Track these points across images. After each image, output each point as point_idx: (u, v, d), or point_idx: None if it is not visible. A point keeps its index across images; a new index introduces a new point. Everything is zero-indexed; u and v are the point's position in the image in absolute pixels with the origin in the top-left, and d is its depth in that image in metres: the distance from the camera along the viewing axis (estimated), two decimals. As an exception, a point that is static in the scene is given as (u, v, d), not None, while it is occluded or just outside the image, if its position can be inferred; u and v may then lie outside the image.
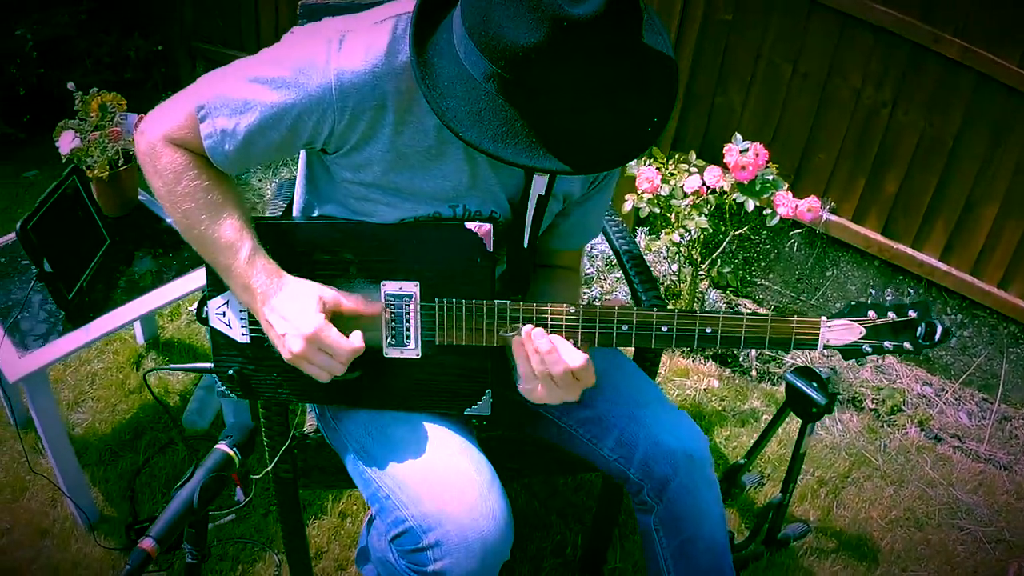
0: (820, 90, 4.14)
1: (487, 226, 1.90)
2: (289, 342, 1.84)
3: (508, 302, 1.91)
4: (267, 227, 1.97)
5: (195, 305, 2.16)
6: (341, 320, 1.88)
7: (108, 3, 5.69)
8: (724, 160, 3.61)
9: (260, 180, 5.07)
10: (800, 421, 2.87)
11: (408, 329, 2.00)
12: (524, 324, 1.89)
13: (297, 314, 1.83)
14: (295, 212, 2.23)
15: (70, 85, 3.27)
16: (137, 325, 3.84)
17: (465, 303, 1.93)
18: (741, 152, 3.59)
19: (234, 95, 1.80)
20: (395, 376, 2.04)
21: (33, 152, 5.29)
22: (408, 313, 1.97)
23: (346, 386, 2.03)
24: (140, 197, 3.34)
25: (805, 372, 2.84)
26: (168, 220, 3.23)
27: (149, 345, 3.91)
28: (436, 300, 1.95)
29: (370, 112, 1.79)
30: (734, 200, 3.65)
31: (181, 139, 1.85)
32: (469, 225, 1.90)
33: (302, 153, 2.09)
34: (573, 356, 1.85)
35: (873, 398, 3.91)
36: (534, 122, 1.60)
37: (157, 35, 5.81)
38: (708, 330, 1.85)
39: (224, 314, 2.11)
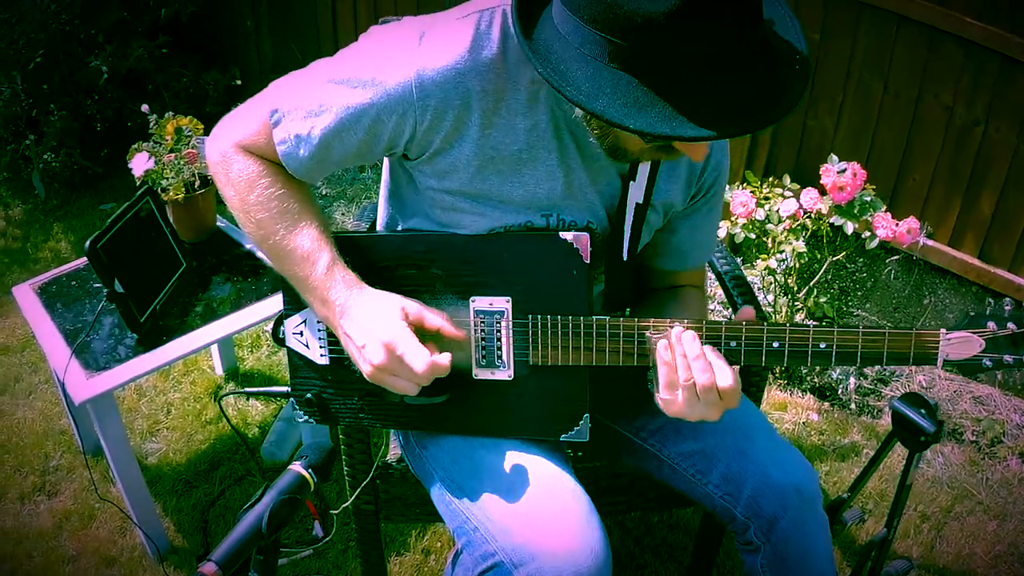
0: (912, 109, 3.97)
1: (584, 235, 1.72)
2: (369, 353, 1.65)
3: (607, 318, 1.74)
4: (347, 240, 1.81)
5: (271, 325, 1.98)
6: (427, 339, 1.70)
7: (186, 37, 5.63)
8: (821, 182, 3.42)
9: (343, 214, 4.91)
10: (905, 452, 2.61)
11: (499, 348, 1.82)
12: (672, 328, 1.68)
13: (377, 323, 1.66)
14: (379, 228, 2.07)
15: (144, 107, 3.16)
16: (216, 355, 3.73)
17: (561, 319, 1.76)
18: (838, 173, 3.38)
19: (308, 97, 1.68)
20: (485, 399, 1.86)
21: (111, 185, 5.25)
22: (499, 331, 1.80)
23: (432, 410, 1.87)
24: (219, 223, 3.30)
25: (912, 399, 2.58)
26: (247, 245, 3.13)
27: (228, 376, 3.79)
28: (530, 317, 1.77)
29: (454, 111, 1.64)
30: (832, 224, 3.46)
31: (254, 146, 1.74)
32: (564, 235, 1.73)
33: (385, 165, 1.95)
34: (723, 373, 1.63)
35: (973, 430, 3.64)
36: (666, 92, 1.40)
37: (235, 68, 5.71)
38: (822, 345, 1.66)
39: (302, 334, 1.94)
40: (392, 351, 1.64)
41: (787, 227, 3.54)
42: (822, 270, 3.65)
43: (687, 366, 1.63)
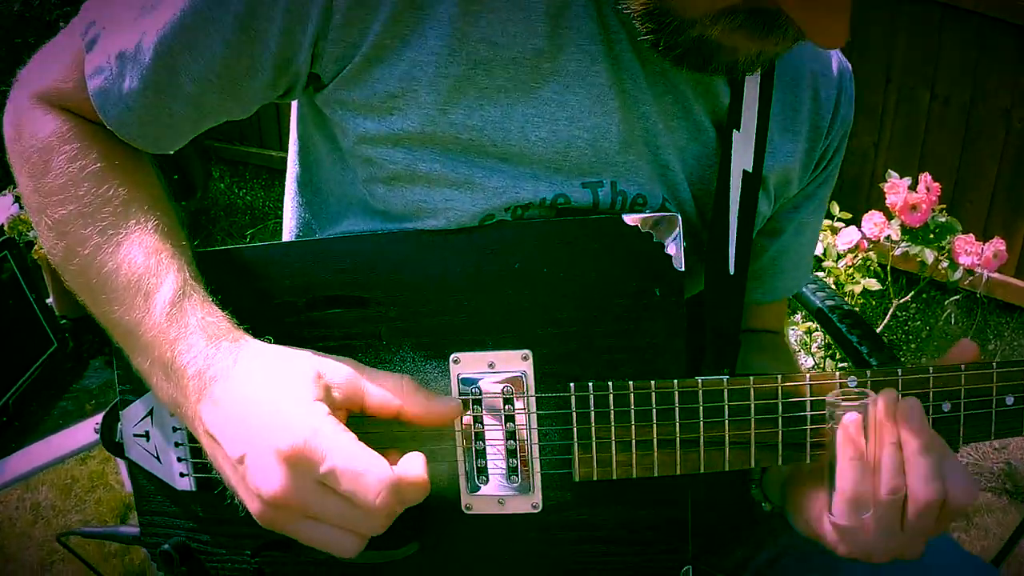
0: (964, 116, 3.30)
1: (673, 217, 0.90)
2: (258, 474, 0.79)
3: (724, 377, 0.90)
4: (217, 259, 0.98)
5: (97, 421, 1.09)
6: (369, 439, 0.83)
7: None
8: (886, 202, 2.65)
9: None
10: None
11: (513, 454, 0.93)
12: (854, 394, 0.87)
13: (272, 412, 0.82)
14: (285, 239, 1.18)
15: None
16: (123, 465, 2.69)
17: (636, 387, 0.89)
18: (908, 188, 2.62)
19: None
20: (485, 552, 0.97)
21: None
22: (512, 420, 0.92)
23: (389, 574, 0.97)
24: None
25: None
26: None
27: None
28: (572, 386, 0.91)
29: None
30: (907, 252, 2.67)
31: (61, 93, 0.96)
32: (632, 218, 0.90)
33: (292, 130, 1.11)
34: (957, 478, 0.86)
35: None
36: None
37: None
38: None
39: (147, 436, 1.03)
40: (306, 469, 0.79)
41: (849, 263, 2.68)
42: (888, 315, 2.77)
43: (896, 465, 0.86)
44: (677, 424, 0.89)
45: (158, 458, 1.02)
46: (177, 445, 1.00)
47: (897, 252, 2.66)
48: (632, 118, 0.97)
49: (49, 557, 2.67)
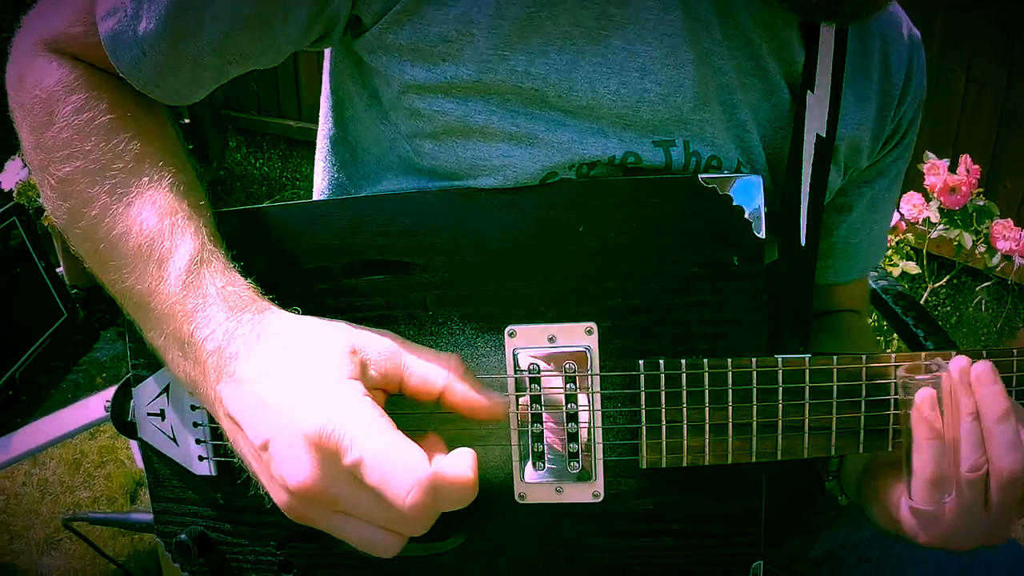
0: (1000, 100, 3.15)
1: (754, 179, 0.80)
2: (283, 464, 0.68)
3: (806, 356, 0.80)
4: (239, 219, 0.86)
5: (108, 399, 0.98)
6: (411, 419, 0.75)
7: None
8: (924, 183, 2.51)
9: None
10: None
11: (574, 436, 0.82)
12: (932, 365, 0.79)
13: (299, 391, 0.70)
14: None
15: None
16: (135, 441, 2.62)
17: (711, 365, 0.79)
18: (948, 170, 2.48)
19: None
20: (538, 546, 0.87)
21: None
22: (573, 400, 0.82)
23: (431, 569, 0.87)
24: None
25: None
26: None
27: None
28: (641, 364, 0.80)
29: None
30: (942, 236, 2.56)
31: (69, 39, 0.84)
32: (708, 178, 0.80)
33: (324, 85, 1.00)
34: None
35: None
36: None
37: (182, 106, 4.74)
38: None
39: (162, 415, 0.92)
40: (335, 457, 0.67)
41: (888, 244, 2.54)
42: (922, 299, 2.65)
43: (976, 439, 0.78)
44: (754, 407, 0.80)
45: (174, 439, 0.92)
46: (195, 426, 0.89)
47: (933, 235, 2.54)
48: (707, 73, 0.87)
49: (56, 535, 2.58)
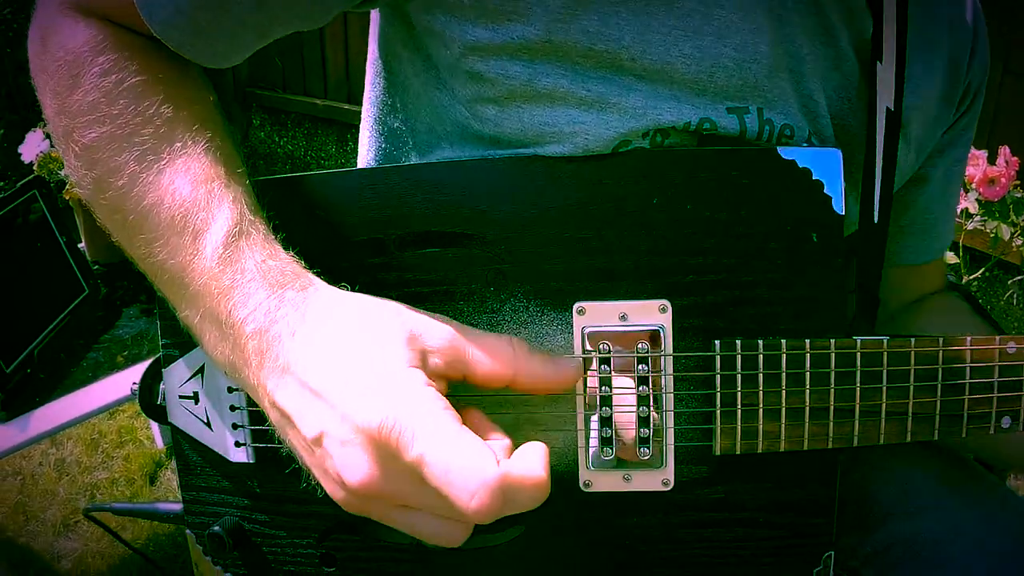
0: None
1: (834, 153, 0.75)
2: (339, 461, 0.62)
3: (884, 338, 0.76)
4: (280, 188, 0.79)
5: (137, 382, 0.92)
6: (468, 402, 0.70)
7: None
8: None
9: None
10: None
11: (645, 421, 0.76)
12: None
13: (354, 380, 0.63)
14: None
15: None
16: (155, 422, 2.58)
17: (788, 346, 0.75)
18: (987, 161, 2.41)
19: None
20: (601, 537, 0.81)
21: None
22: (648, 381, 0.76)
23: (486, 563, 0.81)
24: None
25: None
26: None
27: (171, 451, 2.66)
28: (717, 344, 0.76)
29: None
30: (978, 228, 2.48)
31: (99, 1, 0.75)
32: (787, 151, 0.75)
33: (371, 49, 0.94)
34: None
35: None
36: None
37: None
38: None
39: (195, 398, 0.86)
40: (395, 453, 0.60)
41: None
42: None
43: None
44: (832, 390, 0.75)
45: (208, 424, 0.85)
46: (232, 409, 0.83)
47: (970, 226, 2.49)
48: (779, 38, 0.81)
49: (73, 516, 2.54)
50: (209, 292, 0.68)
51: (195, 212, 0.69)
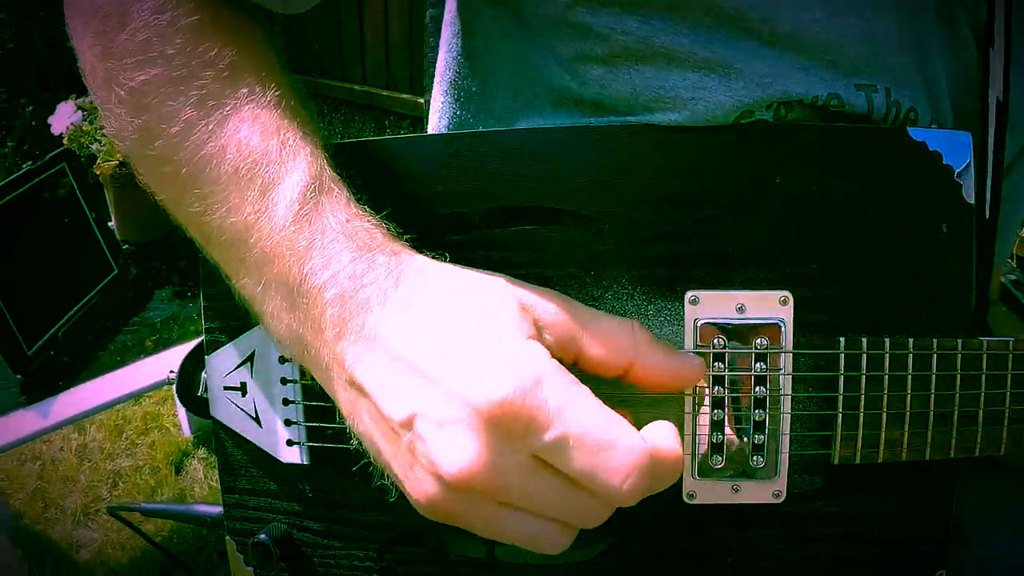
0: None
1: (964, 136, 0.69)
2: (439, 445, 0.53)
3: (1009, 339, 0.69)
4: (353, 154, 0.69)
5: (176, 368, 0.83)
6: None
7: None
8: None
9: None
10: None
11: (761, 427, 0.68)
12: None
13: (463, 351, 0.54)
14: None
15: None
16: (181, 407, 2.64)
17: (916, 345, 0.67)
18: None
19: None
20: (703, 551, 0.73)
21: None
22: (765, 381, 0.68)
23: None
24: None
25: None
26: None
27: (200, 439, 2.70)
28: (841, 341, 0.68)
29: None
30: None
31: None
32: (918, 132, 0.68)
33: (447, 15, 0.87)
34: None
35: None
36: None
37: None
38: None
39: (243, 390, 0.77)
40: (521, 435, 0.53)
41: None
42: None
43: None
44: (957, 395, 0.68)
45: (257, 420, 0.77)
46: (286, 403, 0.75)
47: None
48: (904, 16, 0.75)
49: (93, 505, 2.51)
50: (280, 254, 0.59)
51: (265, 164, 0.60)
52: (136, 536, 2.23)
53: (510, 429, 0.51)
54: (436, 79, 0.89)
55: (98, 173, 2.03)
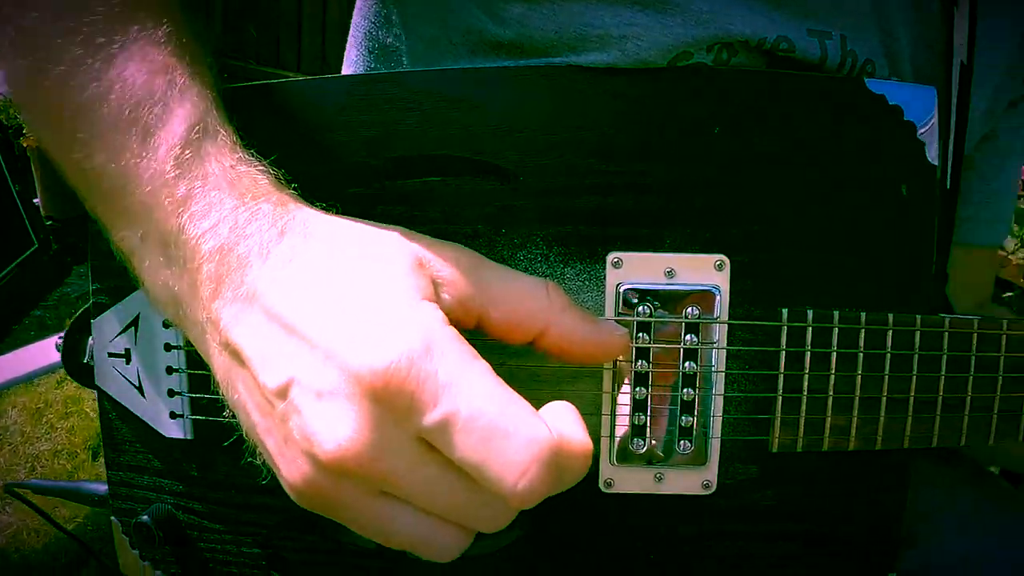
0: None
1: (929, 91, 0.62)
2: (315, 418, 0.44)
3: (975, 318, 0.63)
4: (247, 98, 0.62)
5: (61, 334, 0.79)
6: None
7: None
8: None
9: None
10: None
11: (690, 408, 0.61)
12: None
13: (346, 313, 0.46)
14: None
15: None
16: None
17: (867, 319, 0.61)
18: None
19: None
20: (621, 546, 0.66)
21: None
22: (696, 356, 0.61)
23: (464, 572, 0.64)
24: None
25: None
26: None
27: None
28: (784, 312, 0.61)
29: None
30: None
31: None
32: (877, 84, 0.61)
33: None
34: None
35: None
36: None
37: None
38: None
39: (127, 356, 0.69)
40: (406, 411, 0.44)
41: None
42: None
43: None
44: (913, 378, 0.62)
45: (140, 389, 0.69)
46: (170, 372, 0.67)
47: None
48: None
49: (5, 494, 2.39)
50: (158, 203, 0.52)
51: (149, 106, 0.53)
52: (44, 529, 2.17)
53: (394, 403, 0.44)
54: (351, 34, 0.83)
55: (25, 146, 1.97)
